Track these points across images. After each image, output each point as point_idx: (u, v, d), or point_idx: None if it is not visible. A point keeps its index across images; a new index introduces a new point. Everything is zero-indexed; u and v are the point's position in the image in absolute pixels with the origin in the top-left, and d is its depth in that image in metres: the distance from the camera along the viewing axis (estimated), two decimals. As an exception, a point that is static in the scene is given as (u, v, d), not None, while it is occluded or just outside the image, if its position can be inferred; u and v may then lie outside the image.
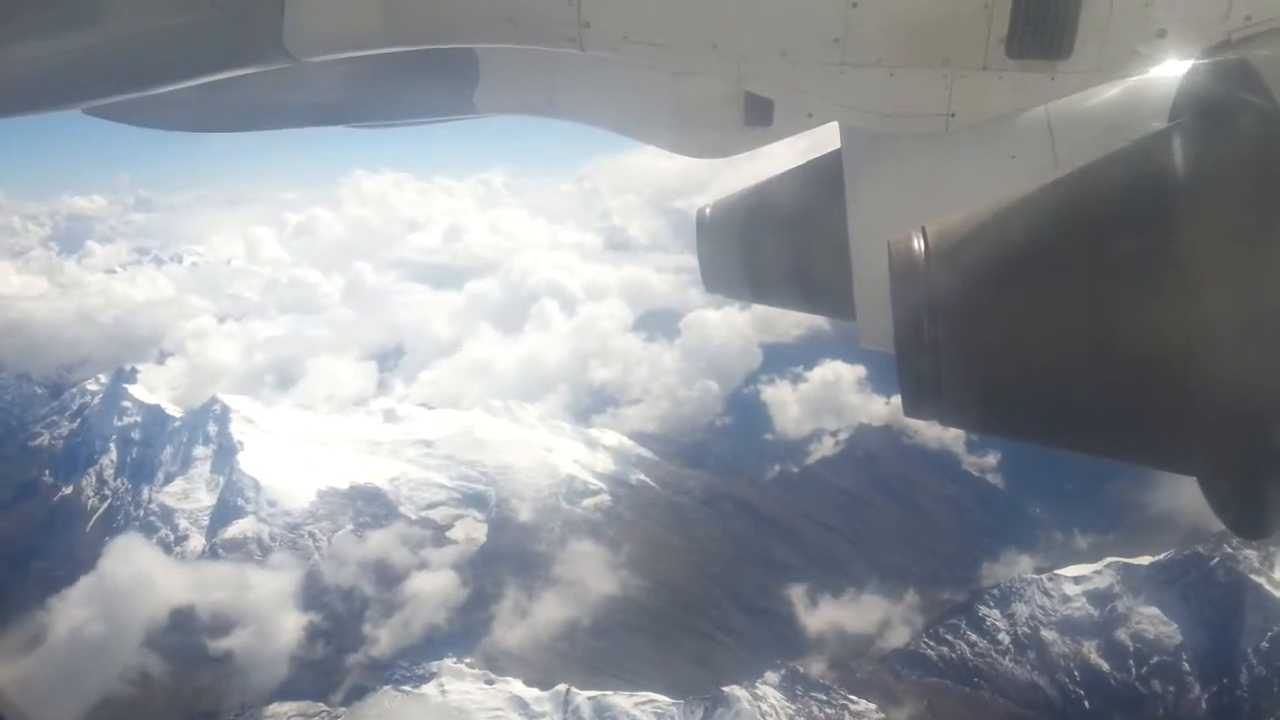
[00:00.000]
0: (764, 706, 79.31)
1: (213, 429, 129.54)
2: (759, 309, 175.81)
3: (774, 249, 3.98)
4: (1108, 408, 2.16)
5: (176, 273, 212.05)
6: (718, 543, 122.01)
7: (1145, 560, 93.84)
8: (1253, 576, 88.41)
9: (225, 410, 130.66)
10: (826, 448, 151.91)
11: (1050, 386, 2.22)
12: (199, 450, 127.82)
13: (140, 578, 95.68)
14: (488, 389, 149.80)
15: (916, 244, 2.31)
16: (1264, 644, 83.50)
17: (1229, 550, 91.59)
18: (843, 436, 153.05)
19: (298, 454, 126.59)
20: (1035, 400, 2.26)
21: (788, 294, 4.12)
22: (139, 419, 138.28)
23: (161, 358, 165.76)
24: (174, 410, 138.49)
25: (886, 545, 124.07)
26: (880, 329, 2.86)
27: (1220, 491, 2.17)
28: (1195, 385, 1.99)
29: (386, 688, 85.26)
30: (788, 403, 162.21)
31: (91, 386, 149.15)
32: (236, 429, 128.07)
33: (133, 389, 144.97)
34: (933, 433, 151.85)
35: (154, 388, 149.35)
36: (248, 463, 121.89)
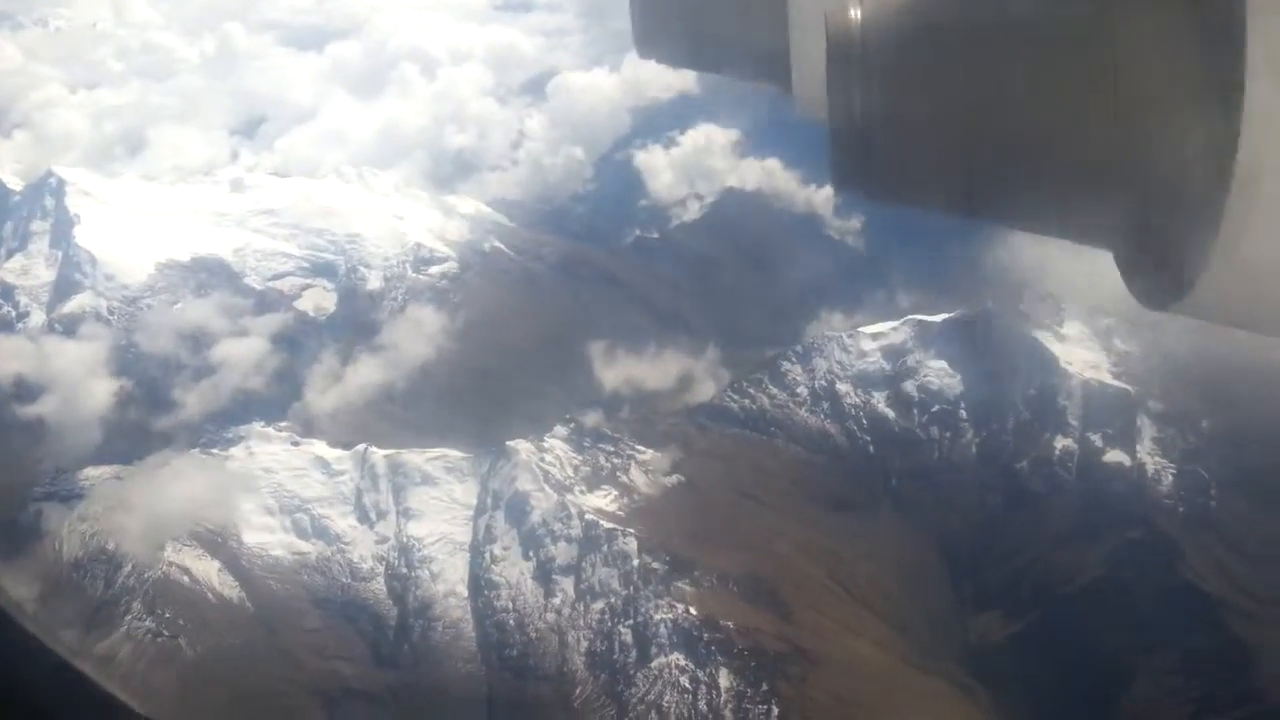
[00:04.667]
0: (548, 458, 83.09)
1: (49, 203, 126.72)
2: (628, 72, 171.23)
3: (713, 11, 3.75)
4: (1038, 182, 2.19)
5: (35, 38, 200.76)
6: (564, 307, 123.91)
7: (941, 316, 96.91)
8: (1035, 332, 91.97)
9: (61, 183, 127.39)
10: (692, 212, 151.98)
11: (983, 159, 2.23)
12: (37, 225, 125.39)
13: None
14: (344, 156, 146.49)
15: (853, 13, 2.26)
16: (1031, 391, 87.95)
17: (1019, 308, 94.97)
18: (709, 201, 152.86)
19: (137, 226, 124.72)
20: (966, 173, 2.27)
21: (726, 59, 3.88)
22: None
23: (9, 130, 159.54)
24: (15, 184, 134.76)
25: (728, 307, 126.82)
26: (816, 100, 2.76)
27: (1133, 264, 2.21)
28: (1121, 159, 2.02)
29: (194, 450, 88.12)
30: (659, 168, 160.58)
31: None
32: (73, 202, 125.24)
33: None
34: (800, 196, 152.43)
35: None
36: (84, 236, 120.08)
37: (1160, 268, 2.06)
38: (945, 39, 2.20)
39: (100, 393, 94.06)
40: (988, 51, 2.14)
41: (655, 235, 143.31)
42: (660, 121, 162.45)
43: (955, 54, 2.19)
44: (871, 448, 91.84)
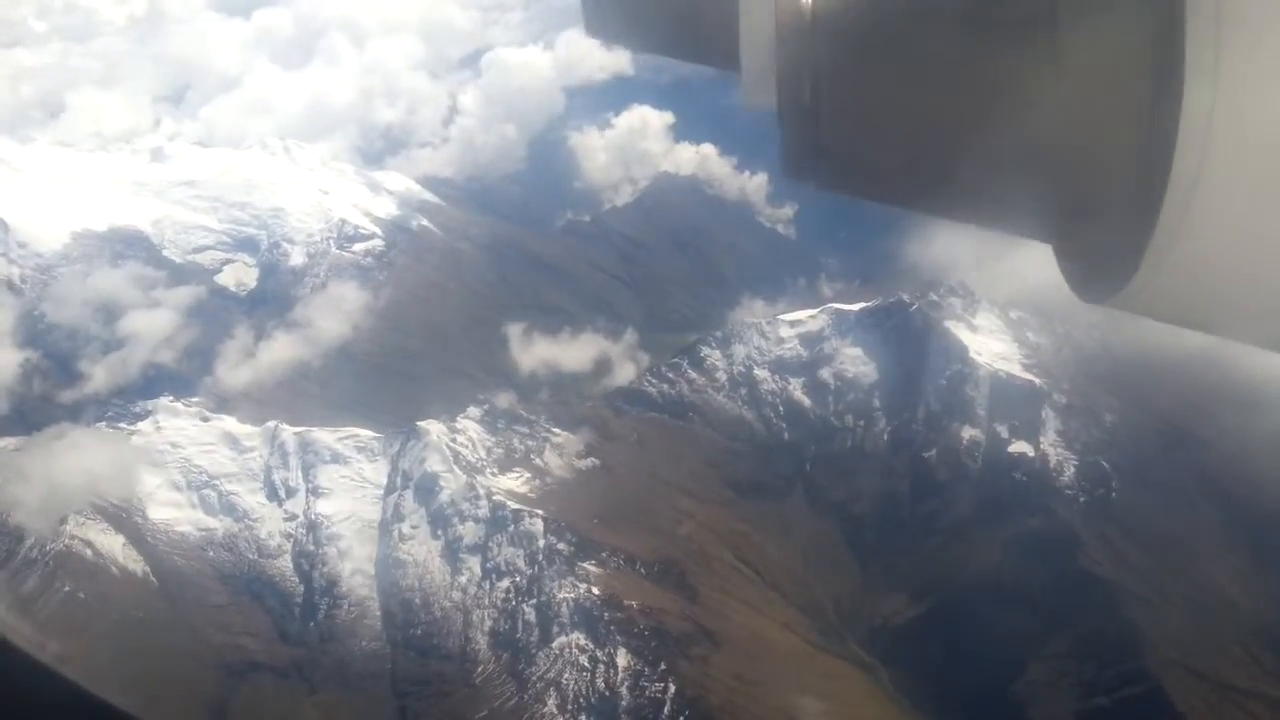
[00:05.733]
0: (460, 439, 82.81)
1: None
2: (562, 50, 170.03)
3: None
4: (984, 172, 2.10)
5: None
6: (489, 288, 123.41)
7: (858, 305, 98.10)
8: (946, 323, 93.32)
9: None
10: (625, 196, 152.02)
11: (931, 151, 2.16)
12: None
13: None
14: (269, 127, 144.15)
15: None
16: (942, 381, 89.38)
17: (934, 299, 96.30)
18: (642, 185, 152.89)
19: (53, 193, 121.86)
20: (916, 162, 2.21)
21: (675, 41, 3.72)
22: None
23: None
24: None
25: (653, 292, 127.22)
26: (765, 86, 2.63)
27: (1071, 257, 2.15)
28: (1065, 153, 1.96)
29: (100, 424, 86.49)
30: (594, 149, 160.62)
31: None
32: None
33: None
34: (733, 184, 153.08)
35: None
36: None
37: (1098, 262, 2.09)
38: (897, 23, 2.20)
39: (6, 363, 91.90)
40: (938, 38, 2.15)
41: (586, 218, 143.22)
42: (595, 102, 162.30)
43: (907, 38, 2.19)
44: (787, 434, 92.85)
